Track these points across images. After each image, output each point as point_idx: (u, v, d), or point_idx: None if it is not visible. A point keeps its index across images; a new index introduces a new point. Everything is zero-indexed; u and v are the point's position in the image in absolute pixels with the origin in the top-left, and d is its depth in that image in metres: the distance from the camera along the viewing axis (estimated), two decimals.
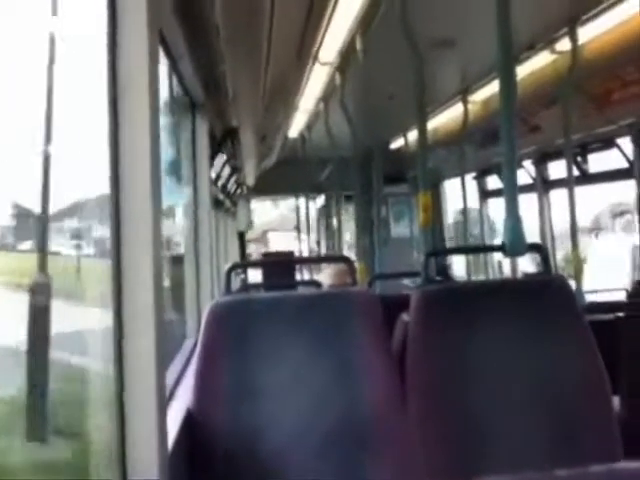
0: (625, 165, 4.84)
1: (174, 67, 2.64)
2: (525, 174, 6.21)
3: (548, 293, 2.37)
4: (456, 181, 7.16)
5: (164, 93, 3.02)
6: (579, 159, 5.34)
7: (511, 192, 2.79)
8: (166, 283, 4.11)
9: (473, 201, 7.41)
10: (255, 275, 8.77)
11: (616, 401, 2.38)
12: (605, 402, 2.23)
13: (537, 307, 2.33)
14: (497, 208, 7.32)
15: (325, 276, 5.68)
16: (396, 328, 2.67)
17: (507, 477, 0.46)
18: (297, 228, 11.01)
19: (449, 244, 8.82)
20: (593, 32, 4.08)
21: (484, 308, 2.34)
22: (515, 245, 2.72)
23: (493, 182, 7.39)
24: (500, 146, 2.85)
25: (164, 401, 1.42)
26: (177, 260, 3.79)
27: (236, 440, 2.04)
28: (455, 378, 2.22)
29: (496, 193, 7.18)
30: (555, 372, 2.24)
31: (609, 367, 2.27)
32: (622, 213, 8.33)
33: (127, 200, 1.31)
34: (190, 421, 2.03)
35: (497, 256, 7.10)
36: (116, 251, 1.30)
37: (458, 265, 7.84)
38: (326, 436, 2.06)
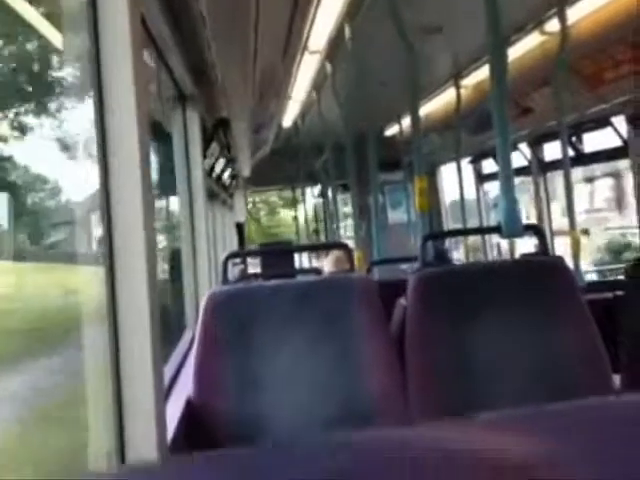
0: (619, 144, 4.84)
1: (162, 59, 2.63)
2: (521, 157, 6.20)
3: (547, 274, 2.37)
4: (452, 166, 7.16)
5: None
6: (574, 139, 5.33)
7: (506, 174, 2.80)
8: (165, 276, 4.12)
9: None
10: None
11: (617, 380, 2.39)
12: (605, 381, 2.24)
13: (536, 288, 2.33)
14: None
15: (326, 263, 5.71)
16: (394, 312, 2.68)
17: (502, 413, 0.47)
18: None
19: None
20: (582, 11, 4.06)
21: (482, 290, 2.34)
22: (511, 226, 2.72)
23: (490, 166, 7.38)
24: (494, 129, 2.86)
25: (162, 392, 1.43)
26: (176, 254, 3.79)
27: (237, 429, 2.05)
28: (454, 360, 2.22)
29: (492, 176, 7.18)
30: (555, 352, 2.24)
31: (609, 346, 2.27)
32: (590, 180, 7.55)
33: (117, 193, 1.31)
34: (191, 411, 2.04)
35: (496, 238, 7.10)
36: (108, 240, 1.30)
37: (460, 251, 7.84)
38: (328, 422, 2.06)
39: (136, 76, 1.30)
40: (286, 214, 16.02)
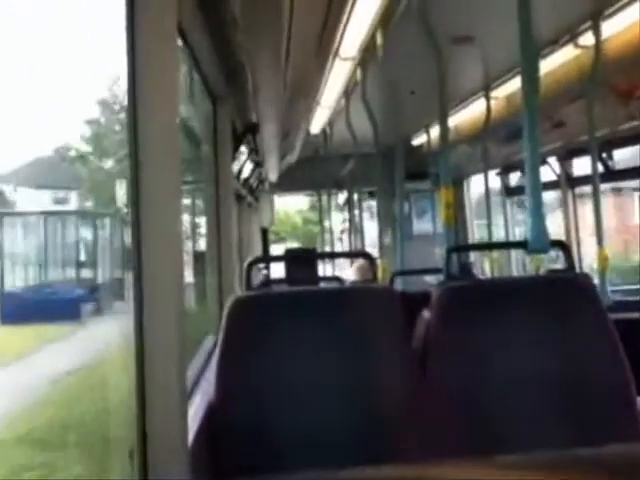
0: None
1: (195, 60, 2.64)
2: (550, 171, 6.15)
3: (572, 291, 2.35)
4: (479, 177, 7.12)
5: None
6: (604, 155, 5.28)
7: (534, 189, 2.77)
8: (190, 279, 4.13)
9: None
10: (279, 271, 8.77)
11: None
12: (629, 402, 2.20)
13: (561, 305, 2.31)
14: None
15: (350, 272, 5.72)
16: (417, 325, 2.66)
17: (522, 455, 0.46)
18: None
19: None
20: (617, 26, 4.02)
21: (506, 305, 2.32)
22: (538, 242, 2.69)
23: (518, 179, 7.32)
24: (523, 142, 2.83)
25: (185, 395, 1.43)
26: (200, 256, 3.81)
27: (257, 434, 2.05)
28: (476, 375, 2.20)
29: (520, 190, 7.11)
30: (578, 371, 2.21)
31: (634, 367, 2.24)
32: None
33: (147, 191, 1.31)
34: (212, 415, 2.04)
35: (521, 253, 7.04)
36: (136, 244, 1.31)
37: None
38: (348, 430, 2.06)
39: (170, 78, 1.30)
40: None
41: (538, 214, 2.72)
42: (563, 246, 2.79)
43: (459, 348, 2.23)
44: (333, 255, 8.38)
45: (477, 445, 2.13)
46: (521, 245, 2.89)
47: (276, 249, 13.16)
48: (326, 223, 10.94)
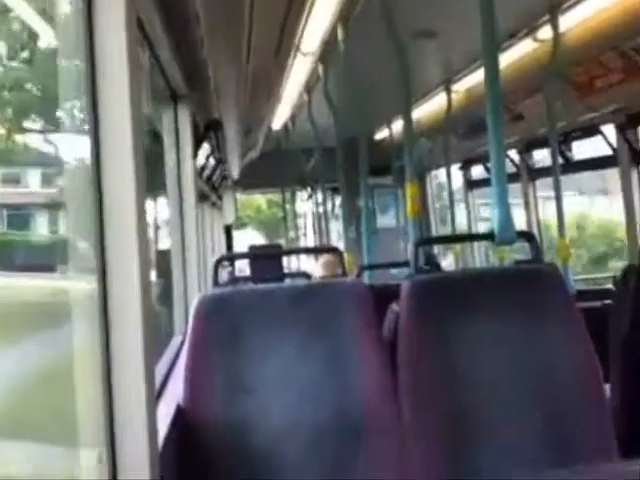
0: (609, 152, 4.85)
1: (155, 57, 2.60)
2: (510, 163, 6.21)
3: (539, 281, 2.37)
4: (441, 172, 7.17)
5: None
6: (563, 147, 5.34)
7: (499, 180, 2.78)
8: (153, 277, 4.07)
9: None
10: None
11: (607, 388, 2.39)
12: (597, 389, 2.23)
13: (528, 295, 2.33)
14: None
15: (317, 267, 5.70)
16: (386, 318, 2.66)
17: None
18: None
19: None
20: (575, 19, 4.07)
21: (475, 297, 2.33)
22: (505, 233, 2.71)
23: (479, 172, 7.38)
24: (485, 135, 2.85)
25: (153, 396, 1.40)
26: (163, 255, 3.76)
27: (228, 434, 2.03)
28: (446, 367, 2.21)
29: (482, 183, 7.18)
30: (547, 360, 2.23)
31: (600, 354, 2.27)
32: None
33: (109, 189, 1.29)
34: (181, 416, 2.01)
35: (484, 244, 7.11)
36: (100, 241, 1.28)
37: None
38: (318, 428, 2.05)
39: (131, 74, 1.28)
40: None
41: (503, 206, 2.73)
42: (530, 237, 2.81)
43: (429, 340, 2.23)
44: (300, 251, 8.37)
45: (449, 437, 2.14)
46: (488, 237, 2.91)
47: (238, 236, 12.95)
48: (290, 217, 10.95)
